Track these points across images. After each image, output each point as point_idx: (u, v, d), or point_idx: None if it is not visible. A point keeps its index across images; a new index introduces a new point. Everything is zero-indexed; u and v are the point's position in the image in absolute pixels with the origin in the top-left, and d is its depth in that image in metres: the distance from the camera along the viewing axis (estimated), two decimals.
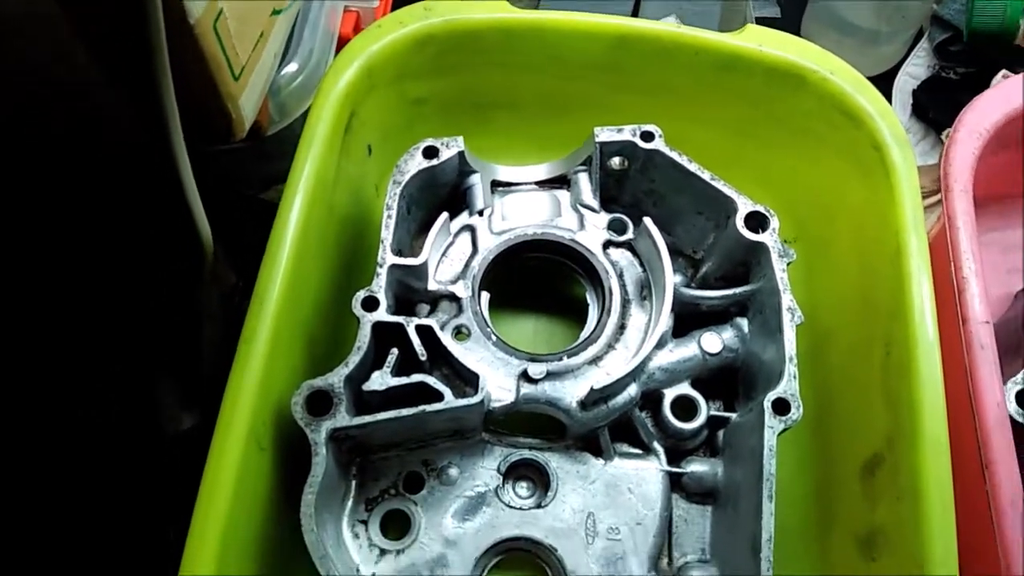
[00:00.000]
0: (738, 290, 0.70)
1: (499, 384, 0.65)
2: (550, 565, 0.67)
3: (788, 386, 0.62)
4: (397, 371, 0.61)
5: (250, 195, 0.81)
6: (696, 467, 0.69)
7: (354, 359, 0.60)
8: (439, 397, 0.60)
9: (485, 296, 0.71)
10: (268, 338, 0.60)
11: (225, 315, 0.79)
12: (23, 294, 0.48)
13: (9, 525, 0.68)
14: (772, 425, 0.61)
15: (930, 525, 0.56)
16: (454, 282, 0.69)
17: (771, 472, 0.59)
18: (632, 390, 0.67)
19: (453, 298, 0.69)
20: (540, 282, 0.78)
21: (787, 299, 0.65)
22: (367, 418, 0.59)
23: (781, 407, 0.62)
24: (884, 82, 0.93)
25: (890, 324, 0.65)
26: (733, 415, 0.69)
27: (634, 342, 0.69)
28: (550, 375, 0.66)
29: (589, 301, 0.73)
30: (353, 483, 0.65)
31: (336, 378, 0.59)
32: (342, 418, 0.58)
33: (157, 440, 0.87)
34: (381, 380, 0.60)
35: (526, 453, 0.67)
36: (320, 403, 0.59)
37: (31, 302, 0.55)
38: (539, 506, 0.66)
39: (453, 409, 0.60)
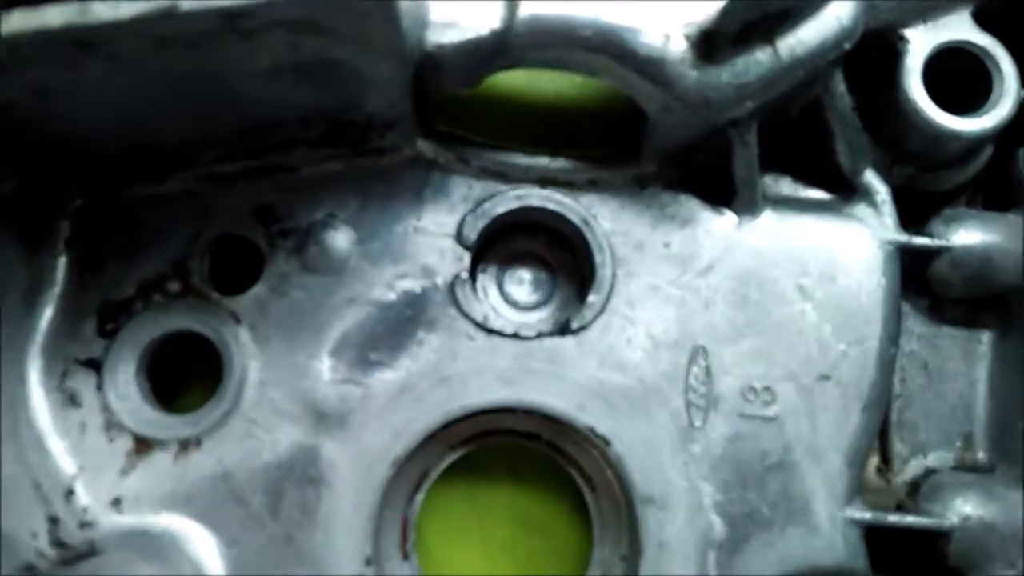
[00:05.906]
0: None
1: None
2: (584, 474, 0.28)
3: None
4: None
5: None
6: (968, 233, 0.27)
7: None
8: None
9: None
10: None
11: None
12: None
13: None
14: None
15: None
16: None
17: None
18: (843, 11, 0.23)
19: None
20: None
21: None
22: None
23: None
24: None
25: None
26: None
27: None
28: None
29: None
30: (60, 264, 0.24)
31: None
32: None
33: None
34: None
35: (533, 193, 0.27)
36: None
37: None
38: (564, 330, 0.25)
39: None
